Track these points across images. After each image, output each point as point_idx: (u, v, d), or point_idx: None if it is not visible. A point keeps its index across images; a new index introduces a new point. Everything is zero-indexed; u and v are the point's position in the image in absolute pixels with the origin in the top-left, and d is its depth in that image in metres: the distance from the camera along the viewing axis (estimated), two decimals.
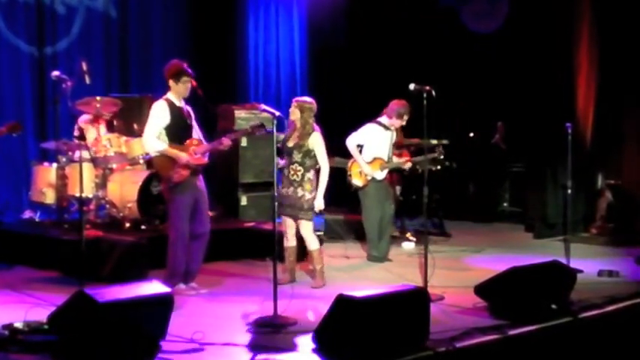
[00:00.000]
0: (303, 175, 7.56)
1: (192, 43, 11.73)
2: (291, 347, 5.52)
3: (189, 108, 7.31)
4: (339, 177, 9.01)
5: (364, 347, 5.16)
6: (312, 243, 7.66)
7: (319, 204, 7.57)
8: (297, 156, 7.56)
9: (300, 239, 7.77)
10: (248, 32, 12.78)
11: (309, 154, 7.56)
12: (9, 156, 10.19)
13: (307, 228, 7.63)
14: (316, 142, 7.56)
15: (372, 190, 8.96)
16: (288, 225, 7.71)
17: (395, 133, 9.14)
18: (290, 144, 7.61)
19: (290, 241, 7.74)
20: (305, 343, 5.52)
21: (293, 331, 5.90)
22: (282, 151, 7.65)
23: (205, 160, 7.13)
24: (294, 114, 7.57)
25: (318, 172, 7.64)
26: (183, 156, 6.98)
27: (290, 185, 7.58)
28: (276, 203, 6.57)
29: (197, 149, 7.07)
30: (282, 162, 7.61)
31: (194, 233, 7.11)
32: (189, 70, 7.09)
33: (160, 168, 7.16)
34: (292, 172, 7.58)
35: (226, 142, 7.15)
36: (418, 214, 9.59)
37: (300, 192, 7.54)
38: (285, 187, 7.62)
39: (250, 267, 8.51)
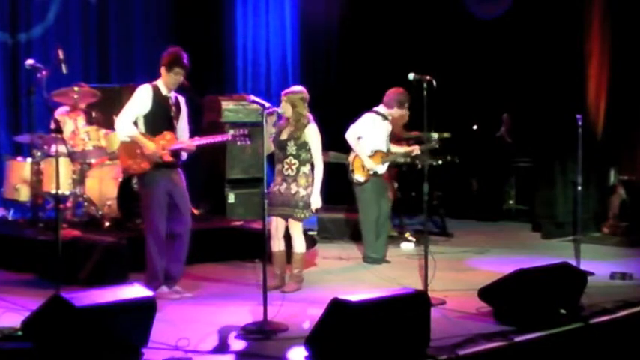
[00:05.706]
0: (298, 170, 7.44)
1: (176, 30, 11.71)
2: (282, 355, 5.52)
3: (181, 99, 7.24)
4: (335, 173, 8.99)
5: (360, 355, 5.16)
6: (299, 245, 7.56)
7: (316, 202, 7.47)
8: (291, 148, 7.44)
9: (287, 241, 7.65)
10: (236, 18, 12.78)
11: (304, 146, 7.44)
12: None
13: (298, 228, 7.54)
14: (312, 135, 7.46)
15: (369, 186, 8.96)
16: (278, 226, 7.56)
17: (390, 125, 9.14)
18: (283, 137, 7.48)
19: (279, 245, 7.60)
20: (297, 350, 5.52)
21: (284, 338, 5.89)
22: (275, 145, 7.56)
23: (170, 158, 7.00)
24: (286, 109, 7.44)
25: (313, 167, 7.51)
26: (150, 147, 6.93)
27: (283, 181, 7.45)
28: (266, 202, 6.50)
29: (166, 145, 6.98)
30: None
31: (172, 232, 7.06)
32: (185, 63, 6.99)
33: (122, 156, 7.15)
34: (286, 167, 7.46)
35: (196, 144, 7.09)
36: (418, 212, 9.57)
37: (294, 188, 7.42)
38: (277, 184, 7.50)
39: (238, 269, 8.51)
